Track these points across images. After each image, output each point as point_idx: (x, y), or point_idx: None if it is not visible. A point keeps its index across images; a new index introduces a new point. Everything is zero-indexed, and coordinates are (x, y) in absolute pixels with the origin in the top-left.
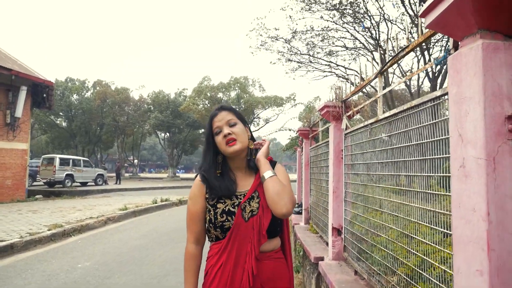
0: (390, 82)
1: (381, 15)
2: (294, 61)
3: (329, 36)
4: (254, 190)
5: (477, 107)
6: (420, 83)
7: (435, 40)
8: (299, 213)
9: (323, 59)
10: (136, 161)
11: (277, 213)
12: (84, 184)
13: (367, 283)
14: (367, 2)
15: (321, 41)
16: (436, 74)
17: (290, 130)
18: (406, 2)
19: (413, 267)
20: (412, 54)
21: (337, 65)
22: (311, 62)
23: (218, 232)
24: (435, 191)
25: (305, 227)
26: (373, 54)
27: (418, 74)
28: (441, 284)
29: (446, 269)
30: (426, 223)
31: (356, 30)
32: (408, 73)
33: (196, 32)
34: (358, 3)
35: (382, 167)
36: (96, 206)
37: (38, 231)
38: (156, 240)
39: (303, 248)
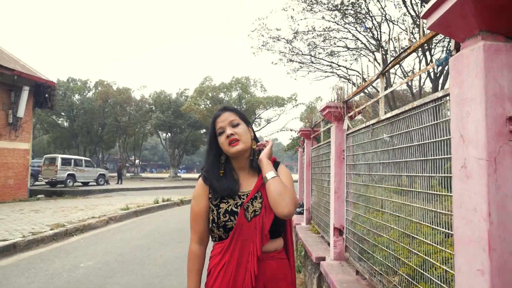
0: (392, 83)
1: (383, 15)
2: (296, 62)
3: (331, 37)
4: (257, 190)
5: (479, 108)
6: (422, 84)
7: (437, 41)
8: (301, 213)
9: (324, 60)
10: (137, 161)
11: (279, 214)
12: (85, 184)
13: (368, 283)
14: (369, 3)
15: (323, 41)
16: (438, 75)
17: (291, 130)
18: (408, 3)
19: (415, 267)
20: (413, 54)
21: (339, 66)
22: (312, 62)
23: (221, 232)
24: (437, 191)
25: (306, 227)
26: (374, 55)
27: (420, 75)
28: (442, 284)
29: (447, 269)
30: (428, 223)
31: (358, 31)
32: (410, 74)
33: (197, 32)
34: (360, 4)
35: (384, 168)
36: (98, 206)
37: (41, 230)
38: (157, 240)
39: (305, 248)
